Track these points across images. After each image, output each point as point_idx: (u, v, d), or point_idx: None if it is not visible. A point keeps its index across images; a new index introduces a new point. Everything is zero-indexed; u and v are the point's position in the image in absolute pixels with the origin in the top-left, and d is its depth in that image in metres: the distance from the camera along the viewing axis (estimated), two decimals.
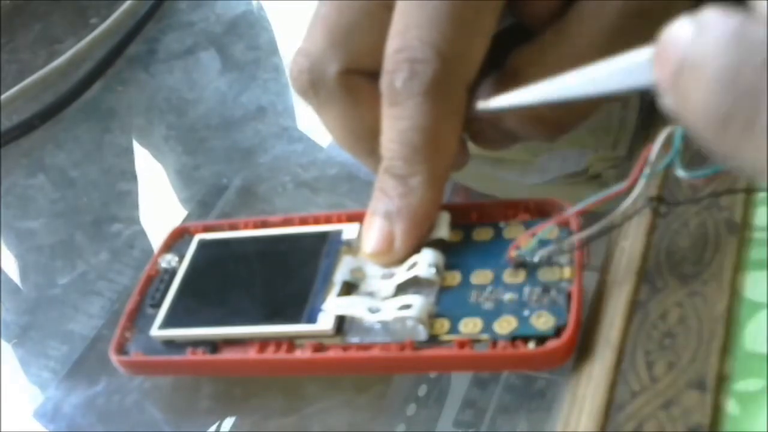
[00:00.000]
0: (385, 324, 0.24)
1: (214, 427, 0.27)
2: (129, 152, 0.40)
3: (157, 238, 0.35)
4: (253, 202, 0.35)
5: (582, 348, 0.22)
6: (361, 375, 0.27)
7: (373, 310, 0.24)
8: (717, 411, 0.19)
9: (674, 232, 0.23)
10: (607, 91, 0.20)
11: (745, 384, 0.19)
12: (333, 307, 0.24)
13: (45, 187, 0.39)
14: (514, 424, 0.25)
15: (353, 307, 0.24)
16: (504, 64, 0.26)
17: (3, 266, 0.36)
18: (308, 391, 0.27)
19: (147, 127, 0.42)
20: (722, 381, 0.19)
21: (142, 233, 0.36)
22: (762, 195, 0.23)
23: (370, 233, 0.25)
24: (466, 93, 0.25)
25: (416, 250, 0.25)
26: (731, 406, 0.19)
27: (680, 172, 0.22)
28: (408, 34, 0.24)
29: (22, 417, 0.29)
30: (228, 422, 0.27)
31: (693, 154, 0.25)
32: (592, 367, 0.21)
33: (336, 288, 0.25)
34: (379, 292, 0.25)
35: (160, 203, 0.38)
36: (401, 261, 0.25)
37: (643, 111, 0.31)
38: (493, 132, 0.27)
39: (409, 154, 0.24)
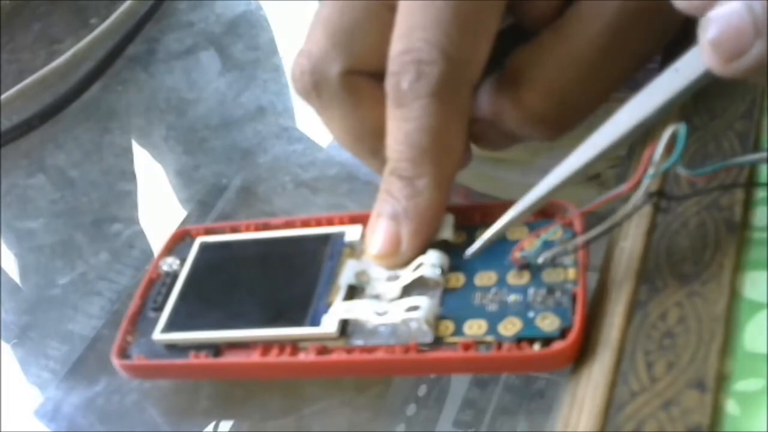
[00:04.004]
0: (393, 326, 0.24)
1: (212, 427, 0.27)
2: (129, 152, 0.41)
3: (156, 238, 0.35)
4: (252, 202, 0.35)
5: (582, 348, 0.22)
6: (365, 377, 0.27)
7: (380, 313, 0.24)
8: (717, 411, 0.19)
9: (674, 232, 0.23)
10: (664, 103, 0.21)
11: (745, 384, 0.19)
12: (340, 311, 0.24)
13: (45, 187, 0.39)
14: (514, 424, 0.25)
15: (360, 310, 0.24)
16: (503, 64, 0.26)
17: (3, 266, 0.36)
18: (308, 391, 0.27)
19: (147, 127, 0.42)
20: (722, 381, 0.19)
21: (142, 233, 0.36)
22: (762, 195, 0.23)
23: (376, 235, 0.25)
24: (471, 93, 0.25)
25: (422, 252, 0.25)
26: (731, 406, 0.19)
27: (681, 170, 0.22)
28: (413, 35, 0.24)
29: (22, 417, 0.29)
30: (227, 423, 0.27)
31: (693, 152, 0.25)
32: (591, 368, 0.21)
33: (341, 292, 0.25)
34: (384, 294, 0.25)
35: (160, 203, 0.38)
36: (407, 263, 0.25)
37: None
38: (494, 133, 0.27)
39: (415, 156, 0.24)
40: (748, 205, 0.23)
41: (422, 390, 0.26)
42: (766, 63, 0.19)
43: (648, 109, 0.21)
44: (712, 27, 0.19)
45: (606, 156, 0.22)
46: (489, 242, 0.24)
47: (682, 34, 0.25)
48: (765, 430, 0.18)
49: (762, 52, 0.18)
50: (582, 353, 0.22)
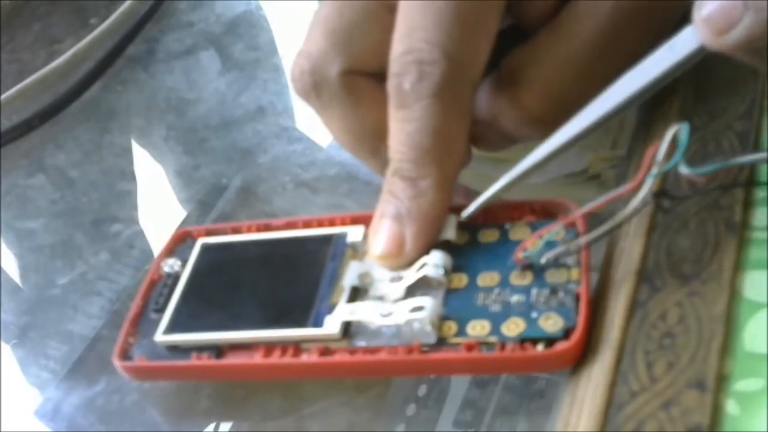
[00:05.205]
0: (395, 327, 0.24)
1: (212, 428, 0.27)
2: (129, 152, 0.41)
3: (157, 238, 0.35)
4: (252, 202, 0.35)
5: (585, 349, 0.22)
6: (367, 378, 0.27)
7: (384, 315, 0.24)
8: (717, 411, 0.19)
9: (674, 232, 0.23)
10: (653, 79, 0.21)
11: (745, 384, 0.19)
12: (345, 313, 0.24)
13: (45, 187, 0.39)
14: (513, 424, 0.25)
15: (365, 312, 0.24)
16: (500, 64, 0.26)
17: (3, 266, 0.36)
18: (308, 391, 0.27)
19: (147, 127, 0.42)
20: (722, 381, 0.19)
21: (142, 233, 0.36)
22: (762, 195, 0.23)
23: (379, 236, 0.25)
24: (473, 94, 0.25)
25: (426, 252, 0.25)
26: (731, 406, 0.19)
27: (683, 169, 0.22)
28: (414, 36, 0.24)
29: (22, 417, 0.29)
30: (227, 423, 0.27)
31: (693, 152, 0.25)
32: (591, 368, 0.21)
33: (345, 294, 0.25)
34: (388, 295, 0.25)
35: (160, 203, 0.38)
36: (410, 264, 0.25)
37: (641, 110, 0.31)
38: (492, 134, 0.27)
39: (418, 157, 0.24)
40: (748, 205, 0.23)
41: (422, 390, 0.26)
42: (756, 36, 0.19)
43: (642, 82, 0.21)
44: (705, 6, 0.20)
45: (600, 126, 0.22)
46: (486, 204, 0.24)
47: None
48: (765, 430, 0.18)
49: (751, 24, 0.19)
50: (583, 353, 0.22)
